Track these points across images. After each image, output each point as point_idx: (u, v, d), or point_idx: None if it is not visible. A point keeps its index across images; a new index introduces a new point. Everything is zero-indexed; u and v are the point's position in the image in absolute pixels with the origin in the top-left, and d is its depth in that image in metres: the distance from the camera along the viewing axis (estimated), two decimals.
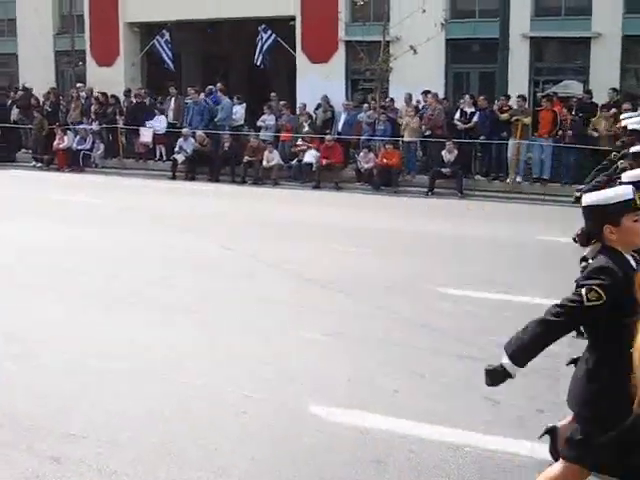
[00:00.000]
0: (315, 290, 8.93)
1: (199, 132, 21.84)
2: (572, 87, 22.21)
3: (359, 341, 7.09)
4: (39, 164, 24.08)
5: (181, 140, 21.87)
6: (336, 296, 8.65)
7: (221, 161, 21.42)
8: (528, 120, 19.04)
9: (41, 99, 25.81)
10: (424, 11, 20.20)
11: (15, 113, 25.75)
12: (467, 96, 20.35)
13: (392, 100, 21.73)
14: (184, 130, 22.00)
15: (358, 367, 6.39)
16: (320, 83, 23.75)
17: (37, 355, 6.64)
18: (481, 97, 20.04)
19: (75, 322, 7.58)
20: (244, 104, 23.14)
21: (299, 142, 21.34)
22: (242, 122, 22.97)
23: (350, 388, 5.97)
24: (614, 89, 19.45)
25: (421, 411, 5.56)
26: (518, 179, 19.19)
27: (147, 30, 28.31)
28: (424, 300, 8.52)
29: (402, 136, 20.30)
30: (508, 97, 19.64)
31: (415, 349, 6.87)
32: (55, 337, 7.13)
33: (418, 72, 21.76)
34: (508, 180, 19.17)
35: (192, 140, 21.75)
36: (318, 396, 5.78)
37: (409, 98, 20.99)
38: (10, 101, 26.41)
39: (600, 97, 19.50)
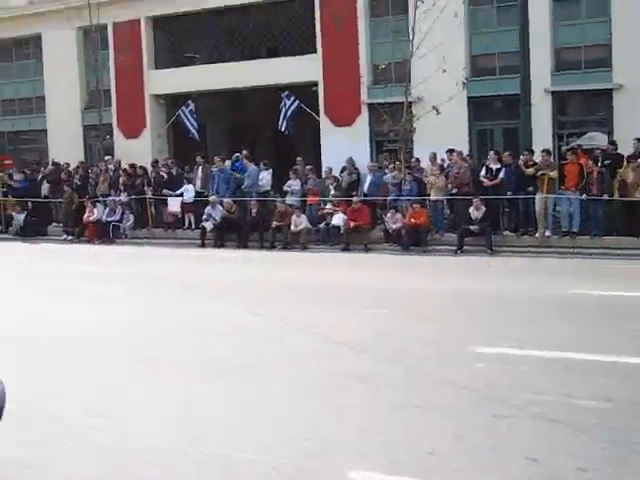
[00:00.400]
0: (345, 353, 8.84)
1: (227, 199, 22.00)
2: (597, 139, 22.19)
3: (393, 404, 6.99)
4: (70, 237, 24.35)
5: (209, 208, 22.03)
6: (369, 360, 8.55)
7: (249, 227, 21.53)
8: (554, 174, 19.02)
9: (72, 172, 26.19)
10: (444, 71, 20.38)
11: (45, 188, 26.19)
12: (492, 152, 20.39)
13: (418, 160, 21.81)
14: (211, 198, 22.19)
15: (393, 430, 6.29)
16: (345, 146, 23.94)
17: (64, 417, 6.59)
18: (506, 153, 20.06)
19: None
20: (270, 170, 23.34)
21: (327, 206, 21.41)
22: (269, 188, 23.17)
23: (386, 451, 5.86)
24: (639, 139, 19.40)
25: (460, 472, 5.44)
26: (547, 233, 19.08)
27: (172, 101, 28.82)
28: (459, 360, 8.40)
29: (428, 195, 20.32)
30: (532, 152, 19.64)
31: (451, 410, 6.76)
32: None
33: (442, 131, 21.87)
34: (537, 235, 19.08)
35: (220, 208, 21.91)
36: (354, 461, 5.68)
37: (434, 157, 21.07)
38: (40, 176, 26.87)
39: (625, 148, 19.46)
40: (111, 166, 25.83)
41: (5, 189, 26.57)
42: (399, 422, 6.50)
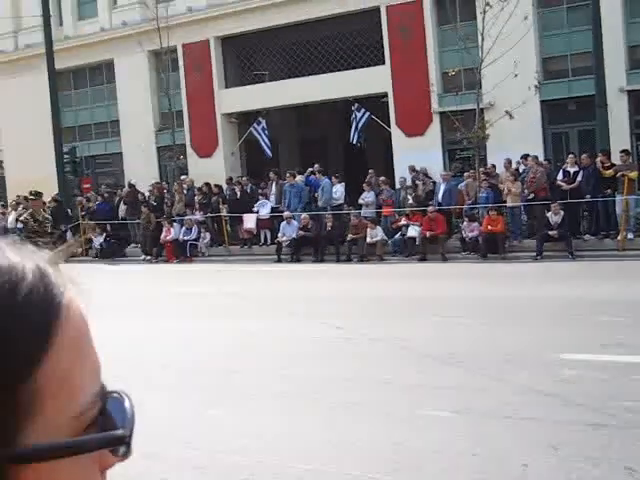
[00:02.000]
0: (434, 366, 8.70)
1: (303, 215, 22.03)
2: None
3: (484, 416, 6.84)
4: (148, 257, 24.67)
5: (284, 224, 22.09)
6: (456, 371, 8.40)
7: (325, 241, 21.51)
8: (634, 174, 18.57)
9: (146, 194, 26.61)
10: (516, 75, 20.13)
11: (123, 209, 26.63)
12: (570, 155, 20.05)
13: (493, 166, 21.57)
14: (285, 214, 22.24)
15: (485, 442, 6.15)
16: (417, 156, 23.81)
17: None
18: (584, 155, 19.68)
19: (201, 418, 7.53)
20: (343, 183, 23.33)
21: (402, 219, 21.21)
22: (342, 201, 23.14)
23: (477, 464, 5.74)
24: None
25: None
26: (629, 235, 18.63)
27: (244, 119, 29.09)
28: (547, 368, 8.20)
29: (505, 202, 20.04)
30: (609, 153, 19.22)
31: (543, 421, 6.58)
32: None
33: (515, 136, 21.61)
34: (619, 237, 18.64)
35: (295, 223, 21.95)
36: (445, 475, 5.57)
37: (508, 163, 20.80)
38: (118, 198, 27.35)
39: None
40: (185, 186, 26.15)
41: (84, 212, 27.09)
42: (490, 433, 6.35)
